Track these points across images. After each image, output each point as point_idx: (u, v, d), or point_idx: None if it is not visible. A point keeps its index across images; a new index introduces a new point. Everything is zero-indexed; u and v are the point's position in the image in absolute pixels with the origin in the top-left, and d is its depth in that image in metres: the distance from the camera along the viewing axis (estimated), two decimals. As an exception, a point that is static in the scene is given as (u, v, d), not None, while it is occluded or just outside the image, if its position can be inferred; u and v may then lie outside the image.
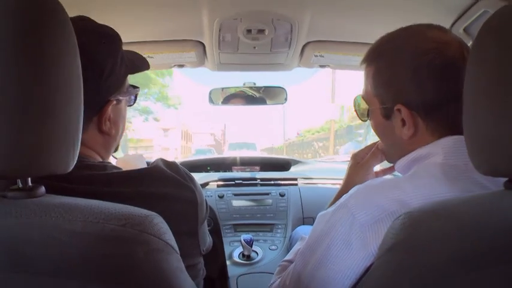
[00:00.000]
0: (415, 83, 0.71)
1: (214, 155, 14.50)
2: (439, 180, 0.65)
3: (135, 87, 0.84)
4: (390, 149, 0.86)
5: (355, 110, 0.90)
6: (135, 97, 0.89)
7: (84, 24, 0.72)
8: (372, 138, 2.72)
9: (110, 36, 0.75)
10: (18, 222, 0.48)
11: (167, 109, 15.34)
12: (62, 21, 0.50)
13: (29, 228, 0.47)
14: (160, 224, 0.54)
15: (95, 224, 0.48)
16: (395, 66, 0.74)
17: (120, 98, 0.78)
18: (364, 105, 0.84)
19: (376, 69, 0.78)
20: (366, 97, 0.83)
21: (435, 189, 0.64)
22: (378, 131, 0.84)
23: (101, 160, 0.77)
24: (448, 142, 0.70)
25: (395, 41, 0.76)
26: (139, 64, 0.85)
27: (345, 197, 0.72)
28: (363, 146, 1.06)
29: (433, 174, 0.66)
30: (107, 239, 0.48)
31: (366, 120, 0.86)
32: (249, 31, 1.31)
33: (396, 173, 0.87)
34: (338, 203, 0.73)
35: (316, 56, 1.53)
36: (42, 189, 0.53)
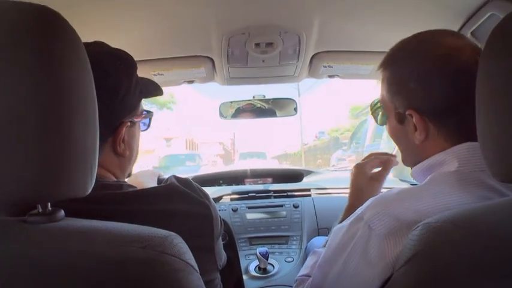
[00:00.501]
0: (425, 88, 0.71)
1: (198, 163, 13.82)
2: (455, 188, 0.65)
3: (149, 112, 0.86)
4: (404, 153, 0.86)
5: (372, 115, 0.91)
6: (149, 121, 0.90)
7: (100, 48, 0.74)
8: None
9: (125, 60, 0.76)
10: (39, 248, 0.48)
11: (160, 111, 15.18)
12: (75, 44, 0.51)
13: (50, 254, 0.47)
14: (180, 244, 0.54)
15: (117, 247, 0.48)
16: (407, 72, 0.75)
17: (135, 120, 0.79)
18: (380, 110, 0.85)
19: (390, 74, 0.79)
20: (381, 102, 0.84)
21: (451, 198, 0.64)
22: (392, 136, 0.85)
23: (115, 179, 0.78)
24: (462, 149, 0.70)
25: (408, 46, 0.77)
26: (153, 89, 0.86)
27: (360, 209, 0.72)
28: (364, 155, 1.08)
29: (448, 183, 0.66)
30: (129, 261, 0.48)
31: (382, 125, 0.87)
32: (257, 45, 1.32)
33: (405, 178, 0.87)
34: (354, 215, 0.73)
35: (324, 66, 1.53)
36: (62, 213, 0.53)
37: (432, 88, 0.71)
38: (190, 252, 0.56)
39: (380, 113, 0.86)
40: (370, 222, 0.67)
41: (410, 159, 0.82)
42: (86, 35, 0.69)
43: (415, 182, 0.81)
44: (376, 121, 0.89)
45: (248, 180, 2.42)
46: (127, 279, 0.48)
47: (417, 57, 0.73)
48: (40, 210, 0.51)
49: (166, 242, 0.52)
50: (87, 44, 0.65)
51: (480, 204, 0.53)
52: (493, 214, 0.50)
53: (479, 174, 0.66)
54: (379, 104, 0.85)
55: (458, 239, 0.49)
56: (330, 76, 1.63)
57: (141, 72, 0.82)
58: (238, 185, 2.38)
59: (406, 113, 0.75)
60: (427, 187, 0.68)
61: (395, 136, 0.84)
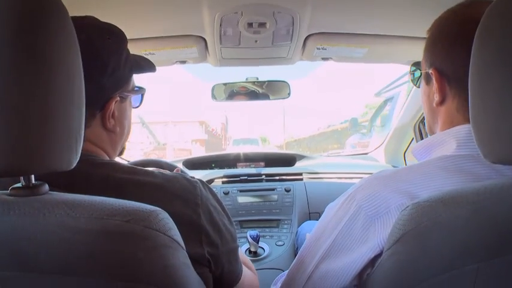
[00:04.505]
0: (450, 49, 0.72)
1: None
2: (448, 172, 0.65)
3: (141, 88, 0.84)
4: (426, 117, 0.87)
5: (410, 75, 0.93)
6: (142, 98, 0.90)
7: (88, 21, 0.73)
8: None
9: (114, 34, 0.75)
10: (22, 220, 0.47)
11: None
12: (61, 17, 0.50)
13: (33, 227, 0.47)
14: (165, 219, 0.54)
15: (99, 220, 0.48)
16: (440, 31, 0.75)
17: (124, 95, 0.78)
18: (416, 70, 0.89)
19: (429, 35, 0.79)
20: (421, 63, 0.84)
21: (444, 181, 0.64)
22: (421, 98, 0.86)
23: (108, 159, 0.77)
24: (462, 131, 0.69)
25: (452, 8, 0.76)
26: (145, 66, 0.85)
27: (352, 188, 0.72)
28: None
29: (444, 167, 0.66)
30: (111, 235, 0.48)
31: (417, 86, 0.90)
32: (250, 25, 1.30)
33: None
34: (346, 194, 0.73)
35: (318, 48, 1.51)
36: (46, 186, 0.53)
37: (453, 50, 0.71)
38: (177, 229, 0.56)
39: (415, 73, 0.89)
40: (361, 202, 0.68)
41: (428, 124, 0.85)
42: (76, 12, 0.68)
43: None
44: (412, 82, 0.92)
45: (240, 164, 2.42)
46: (109, 253, 0.48)
47: (453, 19, 0.73)
48: (23, 183, 0.51)
49: (151, 217, 0.51)
50: (76, 18, 0.64)
51: (470, 185, 0.52)
52: (484, 194, 0.49)
53: (475, 157, 0.65)
54: (416, 66, 0.88)
55: (448, 218, 0.49)
56: (323, 59, 1.62)
57: (132, 51, 0.81)
58: (230, 168, 2.38)
59: (430, 71, 0.75)
60: (419, 169, 0.68)
61: (422, 98, 0.85)
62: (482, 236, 0.47)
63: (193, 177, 0.75)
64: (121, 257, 0.48)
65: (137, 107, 0.91)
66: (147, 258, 0.49)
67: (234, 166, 2.42)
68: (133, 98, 0.85)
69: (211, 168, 2.38)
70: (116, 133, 0.78)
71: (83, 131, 0.54)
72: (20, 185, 0.51)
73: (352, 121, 3.73)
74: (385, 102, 2.94)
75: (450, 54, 0.71)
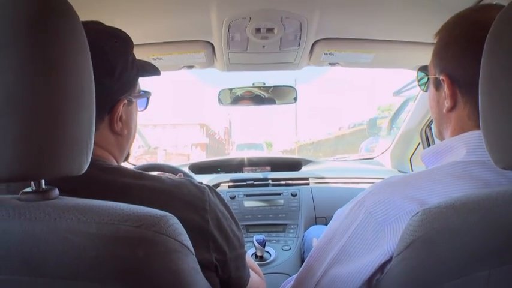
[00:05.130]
0: (462, 55, 0.71)
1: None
2: (458, 178, 0.64)
3: (146, 91, 0.85)
4: (435, 123, 0.86)
5: (417, 81, 0.92)
6: (147, 101, 0.90)
7: (96, 26, 0.74)
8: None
9: (121, 38, 0.76)
10: (32, 225, 0.47)
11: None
12: (71, 20, 0.50)
13: (43, 232, 0.47)
14: (175, 224, 0.54)
15: (110, 225, 0.48)
16: (451, 36, 0.75)
17: (132, 98, 0.78)
18: (424, 75, 0.87)
19: (438, 39, 0.79)
20: (429, 68, 0.84)
21: (454, 187, 0.63)
22: (429, 102, 0.85)
23: (116, 163, 0.78)
24: (472, 137, 0.69)
25: (462, 13, 0.76)
26: (150, 69, 0.86)
27: (362, 194, 0.72)
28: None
29: (454, 173, 0.65)
30: (122, 240, 0.48)
31: (425, 90, 0.89)
32: (258, 30, 1.30)
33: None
34: (355, 200, 0.73)
35: (325, 54, 1.51)
36: (56, 191, 0.53)
37: (466, 57, 0.70)
38: (186, 234, 0.56)
39: (423, 78, 0.88)
40: (370, 208, 0.67)
41: (437, 129, 0.84)
42: (83, 17, 0.68)
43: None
44: (419, 86, 0.91)
45: (246, 168, 2.42)
46: (120, 258, 0.47)
47: (464, 24, 0.73)
48: (34, 188, 0.51)
49: (162, 222, 0.51)
50: (83, 23, 0.65)
51: (481, 191, 0.52)
52: (495, 200, 0.49)
53: (486, 164, 0.65)
54: (425, 71, 0.87)
55: (459, 225, 0.49)
56: (331, 64, 1.62)
57: (140, 56, 0.82)
58: (236, 173, 2.38)
59: (440, 77, 0.75)
60: (429, 175, 0.68)
61: (430, 103, 0.84)
62: (494, 242, 0.47)
63: (201, 183, 0.75)
64: (132, 263, 0.48)
65: (143, 110, 0.91)
66: (158, 264, 0.49)
67: (240, 170, 2.42)
68: (139, 102, 0.86)
69: (218, 172, 2.38)
70: (123, 136, 0.78)
71: (93, 135, 0.54)
72: (31, 190, 0.51)
73: (371, 122, 3.47)
74: (406, 101, 2.79)
75: (463, 61, 0.71)
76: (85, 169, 0.53)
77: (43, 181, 0.51)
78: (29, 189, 0.51)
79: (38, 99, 0.46)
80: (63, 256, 0.47)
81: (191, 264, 0.55)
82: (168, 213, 0.54)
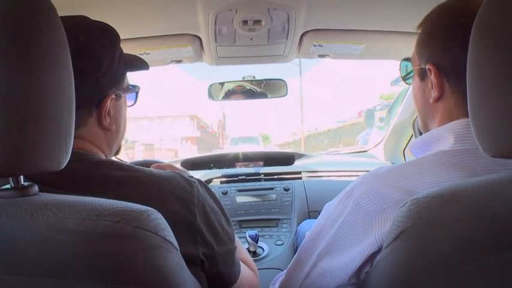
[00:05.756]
0: (448, 44, 0.71)
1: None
2: (445, 166, 0.64)
3: (135, 86, 0.84)
4: (419, 114, 0.86)
5: (400, 72, 0.93)
6: (136, 96, 0.90)
7: (80, 20, 0.73)
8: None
9: (107, 32, 0.75)
10: (9, 222, 0.47)
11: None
12: (49, 15, 0.49)
13: (21, 228, 0.47)
14: (157, 219, 0.53)
15: (88, 220, 0.47)
16: (435, 25, 0.74)
17: (120, 93, 0.78)
18: (408, 66, 0.88)
19: (422, 30, 0.78)
20: (412, 59, 0.83)
21: (442, 176, 0.63)
22: (414, 94, 0.85)
23: (104, 157, 0.77)
24: (458, 125, 0.69)
25: (445, 3, 0.76)
26: (138, 63, 0.85)
27: (350, 185, 0.72)
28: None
29: (442, 162, 0.65)
30: (100, 236, 0.47)
31: (408, 83, 0.89)
32: (245, 22, 1.29)
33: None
34: (344, 191, 0.73)
35: (315, 45, 1.50)
36: (36, 188, 0.52)
37: (452, 44, 0.70)
38: (170, 229, 0.55)
39: (406, 69, 0.88)
40: (358, 199, 0.67)
41: (422, 121, 0.83)
42: (69, 12, 0.67)
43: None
44: (402, 79, 0.92)
45: (239, 163, 2.41)
46: (98, 254, 0.47)
47: (448, 12, 0.72)
48: (12, 184, 0.50)
49: (142, 217, 0.50)
50: (69, 17, 0.64)
51: (469, 180, 0.52)
52: (483, 189, 0.49)
53: (474, 152, 0.65)
54: (408, 62, 0.88)
55: (448, 214, 0.49)
56: (320, 56, 1.61)
57: (127, 51, 0.81)
58: (229, 168, 2.37)
59: (426, 67, 0.74)
60: (417, 165, 0.67)
61: (415, 94, 0.84)
62: (483, 232, 0.46)
63: (192, 177, 0.74)
64: (110, 258, 0.47)
65: (132, 105, 0.91)
66: (138, 259, 0.48)
67: (232, 166, 2.41)
68: (128, 96, 0.85)
69: (210, 168, 2.37)
70: (112, 131, 0.78)
71: (73, 131, 0.53)
72: (9, 186, 0.50)
73: (368, 113, 3.47)
74: (404, 91, 2.80)
75: (449, 49, 0.70)
76: (64, 164, 0.52)
77: (21, 177, 0.51)
78: (7, 186, 0.51)
79: (14, 95, 0.45)
80: (41, 253, 0.46)
81: (175, 260, 0.54)
82: (149, 208, 0.53)
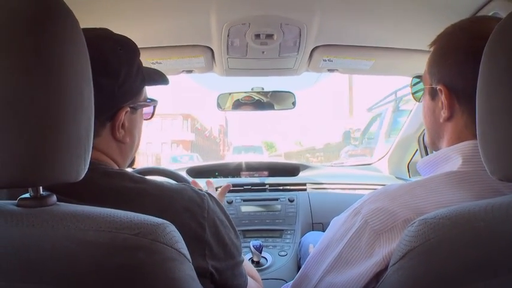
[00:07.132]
0: (462, 66, 0.71)
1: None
2: (454, 187, 0.65)
3: (153, 100, 0.84)
4: (428, 132, 0.86)
5: (411, 90, 0.93)
6: (154, 110, 0.90)
7: (102, 32, 0.74)
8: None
9: (126, 45, 0.76)
10: (29, 232, 0.47)
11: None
12: (69, 23, 0.50)
13: (41, 238, 0.47)
14: (172, 232, 0.54)
15: (107, 233, 0.48)
16: (449, 46, 0.74)
17: (136, 106, 0.78)
18: (419, 84, 0.87)
19: (434, 49, 0.78)
20: (423, 77, 0.84)
21: (450, 196, 0.63)
22: (424, 112, 0.85)
23: (117, 168, 0.77)
24: (467, 146, 0.69)
25: (460, 24, 0.76)
26: (157, 78, 0.85)
27: (358, 202, 0.72)
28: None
29: (448, 182, 0.66)
30: (120, 248, 0.48)
31: (418, 101, 0.89)
32: (257, 36, 1.30)
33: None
34: (352, 208, 0.73)
35: (324, 60, 1.52)
36: (54, 198, 0.52)
37: (466, 66, 0.70)
38: (183, 241, 0.56)
39: (418, 87, 0.88)
40: (366, 216, 0.67)
41: (430, 139, 0.83)
42: (84, 22, 0.68)
43: (411, 179, 0.81)
44: (414, 97, 0.91)
45: (244, 173, 2.41)
46: (117, 266, 0.47)
47: (464, 33, 0.72)
48: (31, 194, 0.51)
49: (159, 230, 0.51)
50: (89, 30, 0.65)
51: (478, 202, 0.52)
52: (491, 212, 0.49)
53: (481, 174, 0.65)
54: (419, 79, 0.87)
55: (455, 235, 0.49)
56: (329, 70, 1.62)
57: None
58: (234, 177, 2.37)
59: (438, 87, 0.74)
60: (426, 184, 0.68)
61: (425, 113, 0.84)
62: (490, 253, 0.47)
63: (201, 190, 0.75)
64: (128, 271, 0.48)
65: (149, 119, 0.91)
66: (154, 272, 0.49)
67: (237, 175, 2.41)
68: (145, 110, 0.85)
69: (215, 176, 2.37)
70: (126, 144, 0.78)
71: (91, 140, 0.54)
72: (28, 196, 0.51)
73: (345, 134, 4.02)
74: (375, 118, 3.00)
75: (461, 72, 0.71)
76: (83, 175, 0.52)
77: (41, 187, 0.51)
78: (27, 195, 0.51)
79: (36, 104, 0.45)
80: (60, 263, 0.46)
81: (187, 271, 0.55)
82: (165, 221, 0.54)
